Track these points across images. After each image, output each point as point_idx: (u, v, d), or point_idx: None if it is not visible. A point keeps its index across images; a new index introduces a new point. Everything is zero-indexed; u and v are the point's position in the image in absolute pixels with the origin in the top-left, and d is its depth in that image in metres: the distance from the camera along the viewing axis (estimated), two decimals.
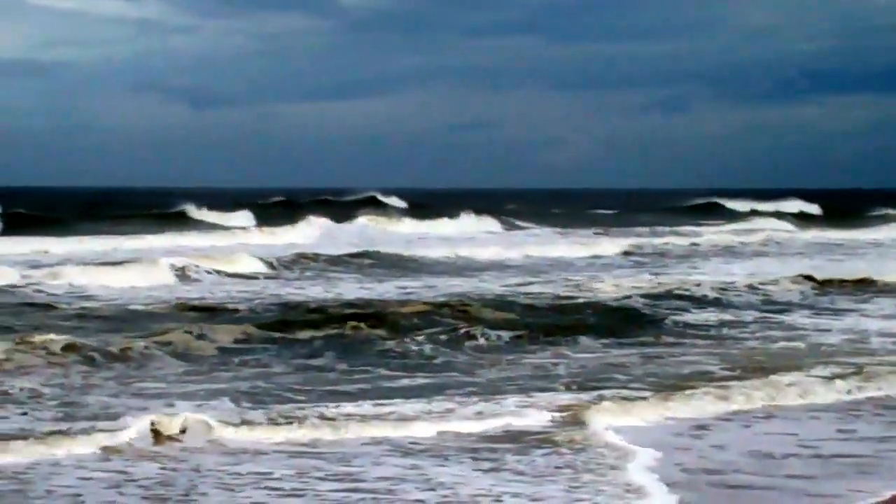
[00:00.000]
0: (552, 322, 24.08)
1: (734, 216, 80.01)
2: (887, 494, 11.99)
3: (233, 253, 37.68)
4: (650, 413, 15.45)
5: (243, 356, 19.87)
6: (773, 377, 17.72)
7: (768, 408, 16.21)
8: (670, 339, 22.34)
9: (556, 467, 12.77)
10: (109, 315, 24.55)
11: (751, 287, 30.32)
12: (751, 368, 18.71)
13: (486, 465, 12.88)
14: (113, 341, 19.95)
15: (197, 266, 33.63)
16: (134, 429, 13.70)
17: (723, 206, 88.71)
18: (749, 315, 25.96)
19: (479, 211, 66.50)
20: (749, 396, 16.49)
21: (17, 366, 18.22)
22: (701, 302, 27.98)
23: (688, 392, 16.50)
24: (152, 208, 68.57)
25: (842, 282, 31.98)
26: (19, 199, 68.93)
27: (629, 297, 28.26)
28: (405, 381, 17.87)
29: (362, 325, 22.59)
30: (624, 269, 38.73)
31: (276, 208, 75.04)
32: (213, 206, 67.57)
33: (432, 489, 11.93)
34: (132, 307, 25.81)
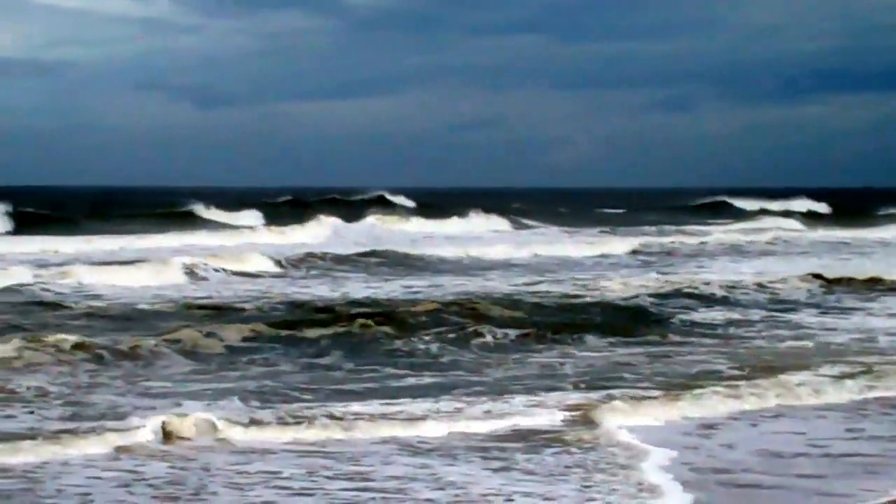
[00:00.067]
0: (560, 321, 24.06)
1: (742, 215, 79.99)
2: None
3: (243, 252, 37.71)
4: (660, 412, 15.42)
5: (252, 355, 19.88)
6: (782, 377, 17.70)
7: (777, 407, 16.18)
8: (678, 339, 22.31)
9: (567, 466, 12.77)
10: (119, 314, 24.56)
11: (759, 286, 30.30)
12: (759, 368, 18.69)
13: (496, 464, 12.87)
14: (122, 340, 19.96)
15: (208, 265, 33.65)
16: (144, 428, 13.72)
17: (731, 205, 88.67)
18: (758, 314, 25.94)
19: (486, 210, 66.53)
20: (758, 396, 16.47)
21: (27, 364, 18.25)
22: (709, 301, 27.96)
23: (696, 391, 16.49)
24: (159, 207, 68.60)
25: (850, 280, 31.95)
26: (26, 198, 68.94)
27: (637, 296, 28.27)
28: (412, 380, 17.88)
29: (371, 322, 22.60)
30: (632, 268, 38.71)
31: (285, 207, 75.09)
32: (219, 205, 67.61)
33: (442, 488, 11.93)
34: (143, 306, 25.81)
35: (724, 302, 27.95)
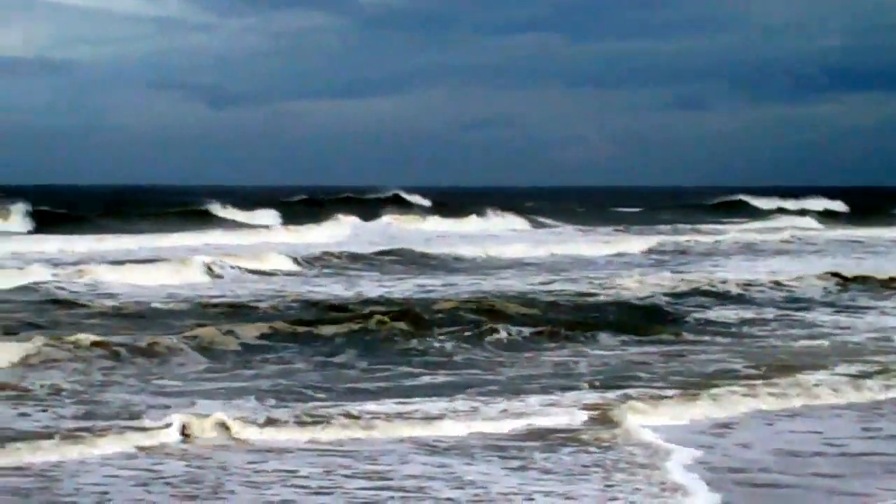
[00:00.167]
0: (575, 319, 24.05)
1: (759, 214, 79.88)
2: None
3: (263, 252, 37.75)
4: (677, 412, 15.40)
5: (267, 353, 19.91)
6: (799, 376, 17.69)
7: (794, 407, 16.16)
8: (693, 337, 22.29)
9: (585, 466, 12.75)
10: (137, 313, 24.63)
11: (776, 284, 30.27)
12: (775, 367, 18.66)
13: (515, 463, 12.87)
14: (141, 339, 20.01)
15: (229, 264, 33.71)
16: (164, 428, 13.75)
17: (748, 204, 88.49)
18: (774, 313, 25.90)
19: (502, 209, 66.54)
20: (775, 395, 16.45)
21: (46, 363, 18.31)
22: (725, 299, 27.94)
23: (714, 391, 16.47)
24: (174, 206, 68.72)
25: (865, 279, 31.89)
26: (40, 197, 69.02)
27: (652, 294, 28.27)
28: (427, 379, 17.89)
29: (386, 318, 22.66)
30: (648, 266, 38.67)
31: (300, 206, 75.16)
32: (234, 204, 67.71)
33: (462, 487, 11.92)
34: (162, 305, 25.89)
35: (740, 300, 27.92)
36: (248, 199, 75.48)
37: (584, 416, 14.95)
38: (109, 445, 13.12)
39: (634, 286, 29.96)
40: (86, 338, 19.50)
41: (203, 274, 32.06)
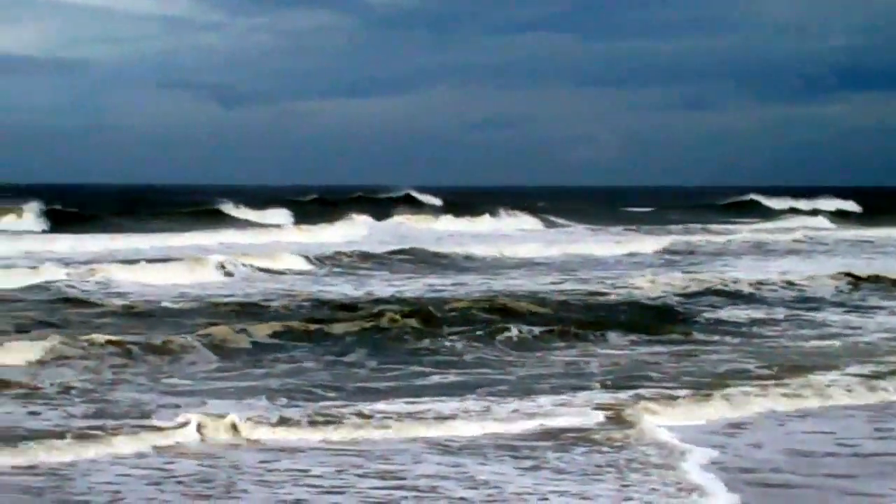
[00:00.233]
0: (586, 319, 24.03)
1: (771, 214, 79.78)
2: None
3: (276, 251, 37.76)
4: (690, 412, 15.39)
5: (278, 353, 19.91)
6: (811, 376, 17.67)
7: (805, 407, 16.12)
8: (707, 337, 22.24)
9: (598, 466, 12.73)
10: (151, 312, 24.66)
11: (789, 284, 30.25)
12: (787, 367, 18.63)
13: (528, 463, 12.85)
14: (154, 338, 20.04)
15: (241, 263, 33.73)
16: (178, 428, 13.77)
17: (760, 204, 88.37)
18: (786, 313, 25.85)
19: (514, 208, 66.52)
20: (788, 396, 16.43)
21: (58, 361, 18.34)
22: (737, 299, 27.91)
23: (726, 391, 16.44)
24: (186, 206, 68.79)
25: (878, 278, 31.84)
26: (51, 196, 69.09)
27: (664, 294, 28.26)
28: (437, 378, 17.86)
29: (397, 315, 22.69)
30: (659, 266, 38.64)
31: (312, 206, 75.19)
32: (246, 203, 67.75)
33: (475, 487, 11.90)
34: (176, 304, 25.91)
35: (752, 300, 27.89)
36: (258, 198, 75.44)
37: (596, 416, 14.92)
38: (125, 445, 13.13)
39: (646, 286, 29.96)
40: (99, 337, 19.55)
41: (217, 273, 32.06)
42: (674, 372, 18.29)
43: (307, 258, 36.10)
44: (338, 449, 13.41)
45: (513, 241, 46.91)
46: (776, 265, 38.84)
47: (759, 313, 25.63)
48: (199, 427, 13.77)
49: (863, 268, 35.27)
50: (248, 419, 14.15)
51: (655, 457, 13.04)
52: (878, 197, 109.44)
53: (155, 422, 14.13)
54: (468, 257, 39.82)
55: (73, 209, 62.56)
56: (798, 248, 48.97)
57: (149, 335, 20.43)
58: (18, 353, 18.53)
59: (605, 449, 13.44)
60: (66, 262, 33.51)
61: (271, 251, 37.79)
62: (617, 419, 14.78)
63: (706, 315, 25.26)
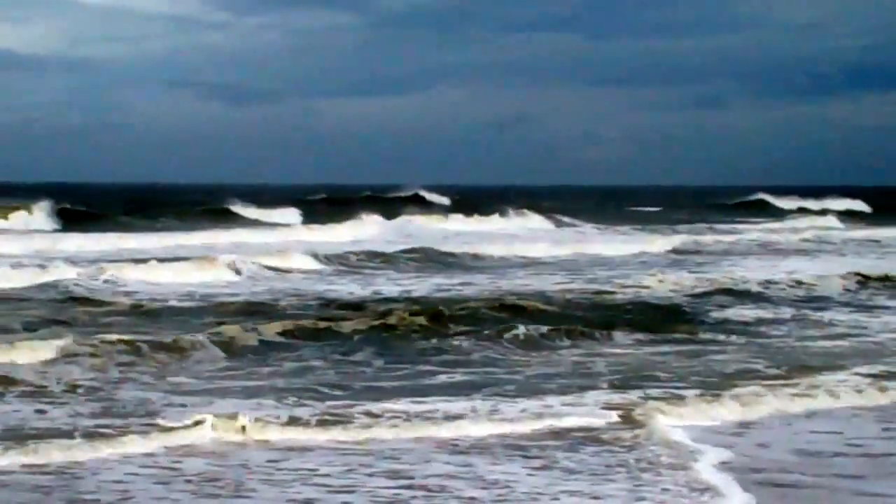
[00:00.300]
0: (594, 318, 24.02)
1: (780, 213, 79.75)
2: None
3: (286, 250, 37.75)
4: (700, 412, 15.36)
5: (286, 352, 19.91)
6: (820, 376, 17.64)
7: (814, 407, 16.08)
8: (715, 337, 22.21)
9: (609, 466, 12.69)
10: (159, 311, 24.69)
11: (797, 284, 30.22)
12: (796, 367, 18.60)
13: (537, 462, 12.83)
14: (163, 337, 20.06)
15: (252, 262, 33.74)
16: (192, 427, 13.77)
17: (769, 203, 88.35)
18: (795, 312, 25.81)
19: (524, 208, 66.52)
20: (797, 395, 16.40)
21: (69, 360, 18.35)
22: (746, 299, 27.87)
23: (735, 391, 16.42)
24: (195, 205, 68.89)
25: (889, 278, 31.80)
26: (60, 195, 69.20)
27: (672, 294, 28.24)
28: (444, 378, 17.82)
29: (405, 314, 22.70)
30: (667, 266, 38.60)
31: (322, 205, 75.30)
32: (255, 202, 67.83)
33: (486, 487, 11.87)
34: (183, 303, 25.94)
35: (760, 300, 27.85)
36: (267, 197, 75.59)
37: (606, 415, 14.90)
38: (137, 444, 13.13)
39: (654, 285, 29.95)
40: (110, 336, 19.57)
41: (226, 272, 32.06)
42: (682, 371, 18.26)
43: (316, 257, 36.15)
44: (346, 448, 13.40)
45: (523, 241, 46.92)
46: (785, 265, 38.79)
47: (767, 313, 25.59)
48: (215, 427, 13.76)
49: (872, 268, 35.22)
50: (257, 419, 14.14)
51: (666, 457, 13.00)
52: (888, 197, 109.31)
53: (164, 421, 14.13)
54: (476, 256, 39.84)
55: (81, 208, 62.63)
56: (807, 247, 48.92)
57: (157, 334, 20.45)
58: (29, 352, 18.54)
59: (615, 449, 13.41)
60: (74, 262, 33.54)
61: (280, 250, 37.80)
62: (626, 419, 14.77)
63: (714, 315, 25.23)
